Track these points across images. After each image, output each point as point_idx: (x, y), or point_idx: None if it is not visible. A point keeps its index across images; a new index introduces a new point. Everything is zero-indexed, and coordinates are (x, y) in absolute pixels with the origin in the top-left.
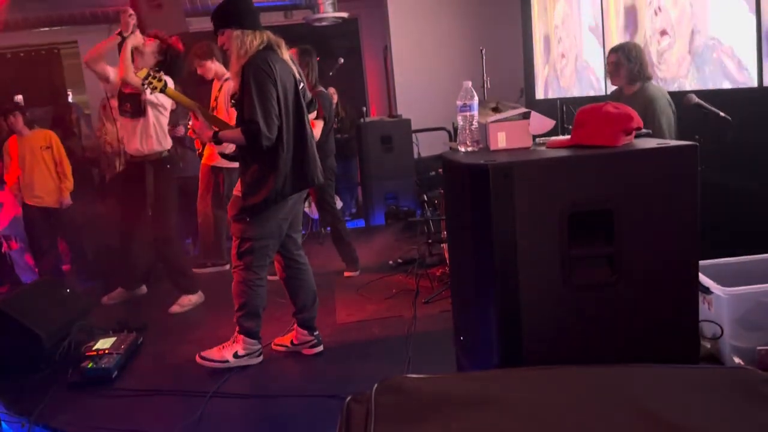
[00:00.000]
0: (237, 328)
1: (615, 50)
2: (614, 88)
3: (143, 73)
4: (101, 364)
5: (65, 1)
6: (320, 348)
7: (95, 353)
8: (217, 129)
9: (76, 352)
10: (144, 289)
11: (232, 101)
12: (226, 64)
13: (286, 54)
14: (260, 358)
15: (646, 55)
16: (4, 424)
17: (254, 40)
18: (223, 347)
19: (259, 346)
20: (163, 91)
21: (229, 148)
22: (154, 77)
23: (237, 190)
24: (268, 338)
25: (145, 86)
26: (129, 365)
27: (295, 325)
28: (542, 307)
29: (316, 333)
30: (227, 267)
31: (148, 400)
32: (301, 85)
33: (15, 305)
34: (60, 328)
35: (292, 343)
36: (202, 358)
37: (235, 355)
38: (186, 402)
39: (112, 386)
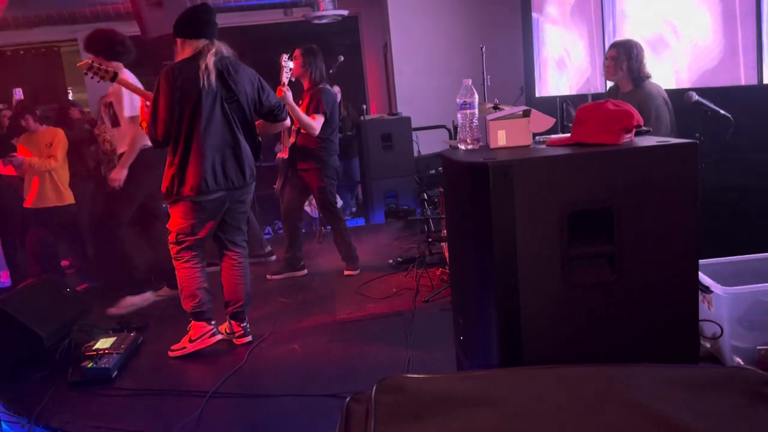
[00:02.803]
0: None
1: (615, 45)
2: (611, 84)
3: (85, 65)
4: (101, 363)
5: (65, 0)
6: (249, 338)
7: (95, 353)
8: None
9: (76, 352)
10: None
11: None
12: None
13: (210, 62)
14: (216, 337)
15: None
16: (4, 424)
17: (189, 49)
18: (183, 339)
19: (210, 327)
20: (113, 79)
21: None
22: (98, 69)
23: None
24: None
25: (91, 77)
26: (129, 365)
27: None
28: (542, 307)
29: (244, 324)
30: None
31: (148, 399)
32: (232, 96)
33: (15, 305)
34: (60, 328)
35: (226, 332)
36: (172, 350)
37: (190, 340)
38: (186, 402)
39: (112, 386)
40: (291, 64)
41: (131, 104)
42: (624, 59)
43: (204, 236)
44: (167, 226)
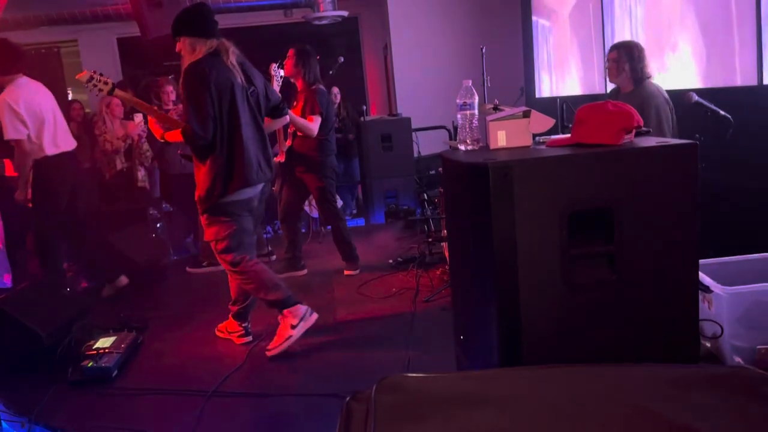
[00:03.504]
0: (276, 311)
1: (616, 47)
2: (612, 86)
3: (85, 76)
4: (101, 363)
5: (66, 0)
6: (249, 338)
7: (95, 352)
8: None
9: (76, 351)
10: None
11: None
12: None
13: (232, 59)
14: (315, 314)
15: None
16: (4, 424)
17: (203, 47)
18: (280, 331)
19: (304, 308)
20: (111, 93)
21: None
22: (98, 80)
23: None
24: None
25: (90, 89)
26: (129, 364)
27: (230, 315)
28: (542, 307)
29: (246, 324)
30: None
31: (148, 399)
32: (252, 89)
33: (15, 305)
34: (60, 328)
35: (227, 330)
36: (270, 350)
37: (292, 326)
38: (186, 401)
39: (112, 385)
40: (281, 73)
41: (14, 127)
42: (625, 60)
43: (252, 229)
44: (206, 239)
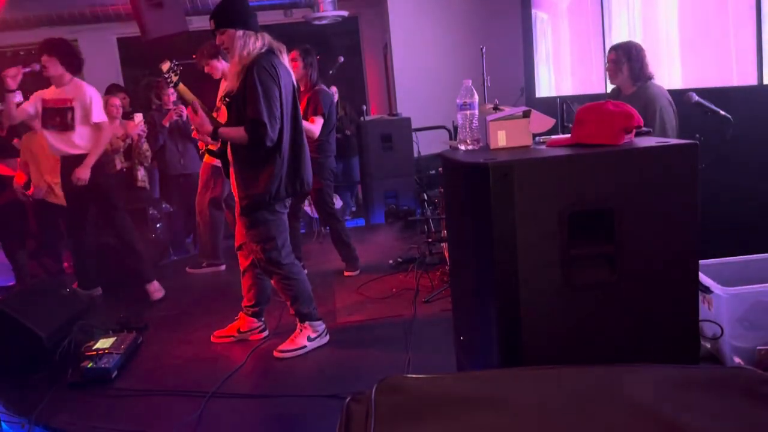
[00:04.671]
0: (298, 320)
1: (615, 48)
2: (612, 86)
3: (167, 66)
4: (101, 363)
5: (66, 0)
6: (266, 333)
7: (95, 353)
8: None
9: (76, 352)
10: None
11: (225, 100)
12: None
13: (287, 59)
14: (328, 337)
15: (646, 54)
16: (4, 424)
17: (257, 42)
18: (294, 338)
19: (324, 326)
20: (176, 85)
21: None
22: (175, 72)
23: (236, 194)
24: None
25: (167, 78)
26: (129, 365)
27: (241, 314)
28: (542, 307)
29: (263, 319)
30: (223, 267)
31: (148, 400)
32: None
33: (15, 305)
34: (60, 328)
35: (239, 331)
36: (281, 351)
37: (309, 339)
38: (186, 402)
39: (111, 386)
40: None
41: (101, 110)
42: (624, 61)
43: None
44: (253, 242)
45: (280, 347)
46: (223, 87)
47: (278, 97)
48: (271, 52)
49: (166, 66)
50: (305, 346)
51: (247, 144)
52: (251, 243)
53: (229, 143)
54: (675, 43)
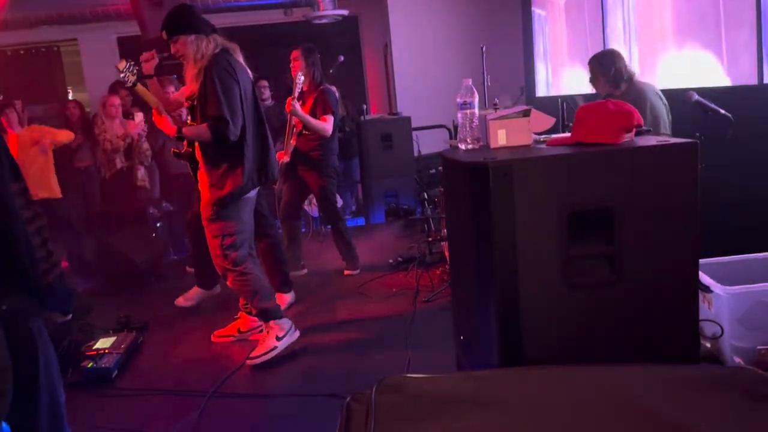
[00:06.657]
0: (263, 321)
1: (589, 62)
2: None
3: (123, 65)
4: (101, 363)
5: (66, 0)
6: None
7: (95, 353)
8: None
9: (76, 352)
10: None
11: (189, 104)
12: None
13: (241, 57)
14: (298, 332)
15: (622, 56)
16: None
17: (209, 44)
18: (263, 341)
19: (290, 322)
20: (134, 85)
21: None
22: (132, 72)
23: (204, 195)
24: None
25: (123, 78)
26: (129, 365)
27: (242, 313)
28: (542, 307)
29: None
30: None
31: (148, 399)
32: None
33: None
34: (60, 328)
35: (239, 331)
36: (252, 358)
37: (277, 338)
38: (186, 402)
39: (112, 386)
40: (302, 78)
41: None
42: (597, 72)
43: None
44: (212, 236)
45: (252, 354)
46: (183, 91)
47: (238, 93)
48: (225, 51)
49: (122, 65)
50: (275, 347)
51: (211, 141)
52: (211, 239)
53: (197, 144)
54: (675, 43)
